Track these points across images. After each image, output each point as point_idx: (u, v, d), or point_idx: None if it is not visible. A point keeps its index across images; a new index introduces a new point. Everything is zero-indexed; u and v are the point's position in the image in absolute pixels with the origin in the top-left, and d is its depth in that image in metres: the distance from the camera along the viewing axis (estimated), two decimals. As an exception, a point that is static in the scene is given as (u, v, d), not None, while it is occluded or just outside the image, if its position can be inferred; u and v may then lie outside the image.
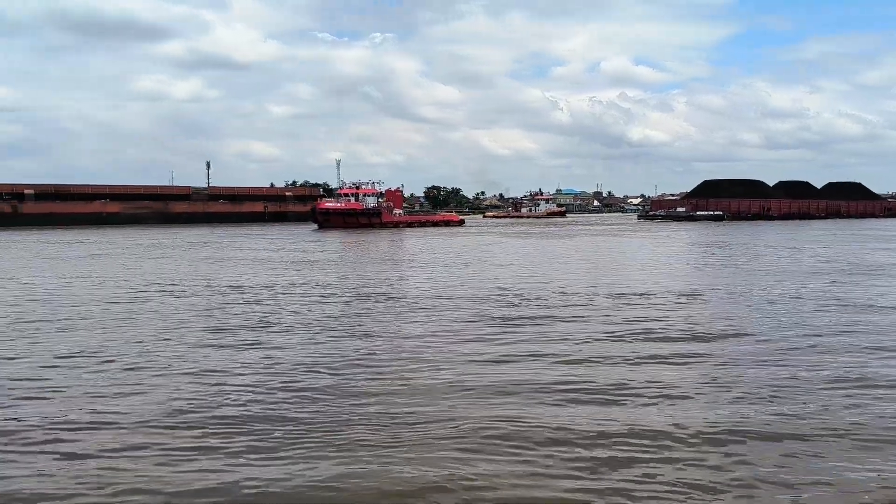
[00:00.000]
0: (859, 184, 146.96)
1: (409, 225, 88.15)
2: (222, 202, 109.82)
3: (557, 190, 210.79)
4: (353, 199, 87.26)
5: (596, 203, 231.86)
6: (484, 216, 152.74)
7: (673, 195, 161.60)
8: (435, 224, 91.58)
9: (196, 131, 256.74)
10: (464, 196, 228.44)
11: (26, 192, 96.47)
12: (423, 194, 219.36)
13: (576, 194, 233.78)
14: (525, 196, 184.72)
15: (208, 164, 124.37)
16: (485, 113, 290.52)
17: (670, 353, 12.58)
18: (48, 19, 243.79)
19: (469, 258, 36.07)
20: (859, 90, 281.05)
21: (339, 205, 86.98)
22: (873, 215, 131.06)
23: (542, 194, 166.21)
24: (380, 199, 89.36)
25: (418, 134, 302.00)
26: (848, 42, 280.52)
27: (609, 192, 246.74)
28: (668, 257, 36.86)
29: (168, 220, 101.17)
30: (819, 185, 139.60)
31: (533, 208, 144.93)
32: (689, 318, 16.39)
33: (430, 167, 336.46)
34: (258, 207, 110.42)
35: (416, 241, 54.59)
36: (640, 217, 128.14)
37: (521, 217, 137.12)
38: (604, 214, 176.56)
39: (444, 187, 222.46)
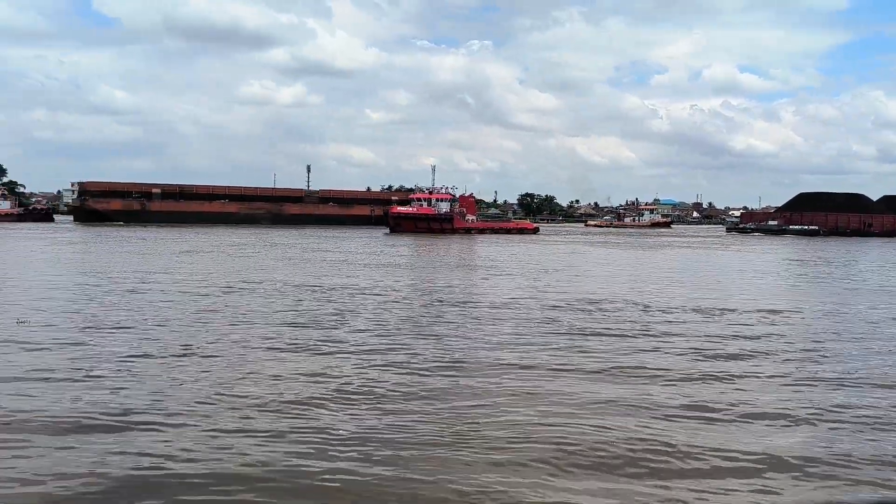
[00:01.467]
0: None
1: (482, 231, 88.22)
2: (332, 205, 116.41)
3: (655, 199, 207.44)
4: (425, 205, 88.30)
5: (696, 214, 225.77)
6: (586, 225, 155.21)
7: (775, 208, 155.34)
8: (508, 231, 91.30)
9: (298, 135, 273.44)
10: (557, 204, 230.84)
11: (153, 191, 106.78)
12: (516, 201, 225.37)
13: (674, 205, 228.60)
14: (621, 206, 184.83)
15: (308, 168, 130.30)
16: (581, 120, 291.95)
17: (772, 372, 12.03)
18: (163, 27, 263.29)
19: (539, 267, 35.60)
20: None
21: (411, 209, 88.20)
22: None
23: (638, 204, 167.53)
24: (453, 205, 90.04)
25: (513, 141, 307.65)
26: None
27: (710, 203, 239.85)
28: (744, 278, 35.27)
29: (281, 220, 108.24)
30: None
31: (636, 217, 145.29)
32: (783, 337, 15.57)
33: (524, 174, 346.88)
34: (365, 210, 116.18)
35: (486, 248, 54.55)
36: (728, 230, 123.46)
37: (625, 226, 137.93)
38: (703, 226, 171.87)
39: (537, 195, 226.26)
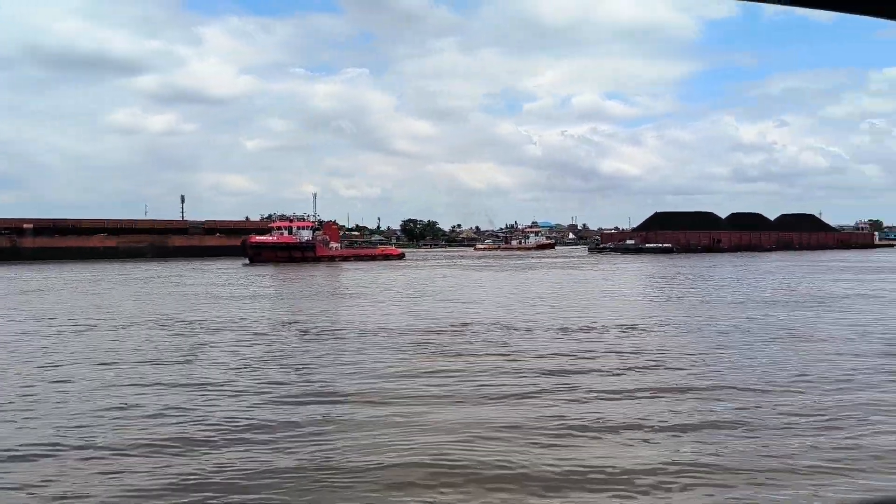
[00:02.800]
0: (812, 215, 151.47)
1: (346, 259, 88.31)
2: (219, 236, 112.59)
3: (533, 223, 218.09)
4: (286, 233, 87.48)
5: (571, 235, 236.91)
6: (475, 248, 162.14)
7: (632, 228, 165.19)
8: (373, 258, 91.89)
9: (170, 164, 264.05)
10: (440, 229, 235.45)
11: (25, 226, 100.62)
12: (399, 227, 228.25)
13: (551, 227, 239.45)
14: (501, 229, 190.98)
15: (182, 198, 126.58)
16: (459, 147, 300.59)
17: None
18: (22, 54, 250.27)
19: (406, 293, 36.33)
20: (823, 124, 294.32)
21: (271, 238, 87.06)
22: (826, 247, 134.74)
23: (517, 227, 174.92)
24: (315, 233, 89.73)
25: (394, 167, 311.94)
26: (812, 77, 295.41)
27: (584, 225, 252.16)
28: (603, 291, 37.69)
29: (165, 253, 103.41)
30: (773, 216, 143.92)
31: (523, 240, 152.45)
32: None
33: (406, 200, 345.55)
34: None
35: (350, 276, 55.07)
36: (590, 250, 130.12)
37: (513, 249, 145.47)
38: (578, 247, 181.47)
39: (420, 220, 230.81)
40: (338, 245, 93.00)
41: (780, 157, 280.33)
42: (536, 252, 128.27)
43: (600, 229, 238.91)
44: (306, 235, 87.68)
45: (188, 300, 32.90)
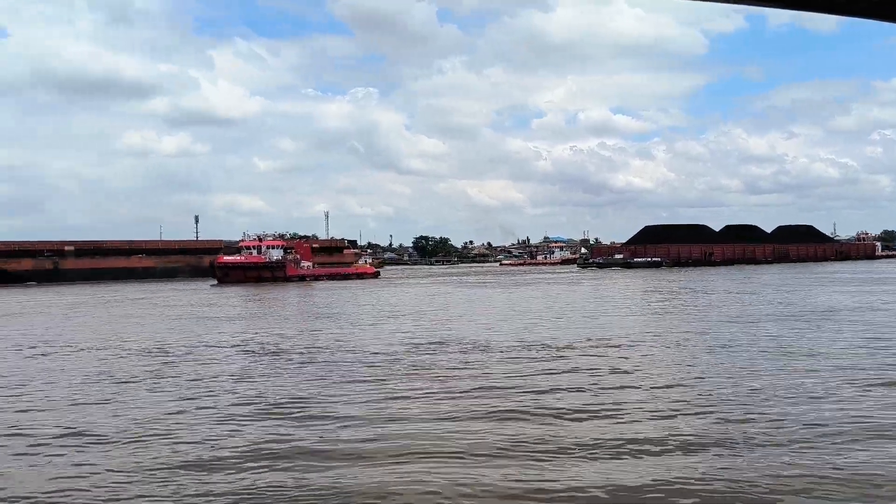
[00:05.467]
0: (810, 226, 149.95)
1: (317, 278, 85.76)
2: None
3: (545, 238, 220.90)
4: (255, 252, 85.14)
5: (584, 250, 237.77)
6: (500, 264, 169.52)
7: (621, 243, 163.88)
8: (346, 277, 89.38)
9: (183, 186, 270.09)
10: (452, 245, 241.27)
11: (66, 248, 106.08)
12: (411, 244, 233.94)
13: (563, 241, 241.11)
14: (513, 245, 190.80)
15: (197, 218, 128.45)
16: (470, 164, 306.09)
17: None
18: (33, 79, 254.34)
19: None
20: (832, 135, 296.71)
21: (240, 258, 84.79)
22: (825, 258, 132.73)
23: (529, 242, 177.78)
24: (287, 252, 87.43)
25: (405, 185, 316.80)
26: (819, 88, 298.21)
27: (596, 239, 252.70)
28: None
29: (200, 273, 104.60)
30: (768, 227, 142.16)
31: (548, 255, 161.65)
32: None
33: (418, 218, 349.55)
34: None
35: (316, 296, 52.57)
36: (579, 265, 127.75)
37: (538, 264, 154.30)
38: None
39: (432, 237, 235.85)
40: (310, 264, 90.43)
41: (791, 169, 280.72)
42: (560, 267, 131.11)
43: (613, 243, 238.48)
44: (276, 255, 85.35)
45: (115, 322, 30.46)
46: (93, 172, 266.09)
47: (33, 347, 22.25)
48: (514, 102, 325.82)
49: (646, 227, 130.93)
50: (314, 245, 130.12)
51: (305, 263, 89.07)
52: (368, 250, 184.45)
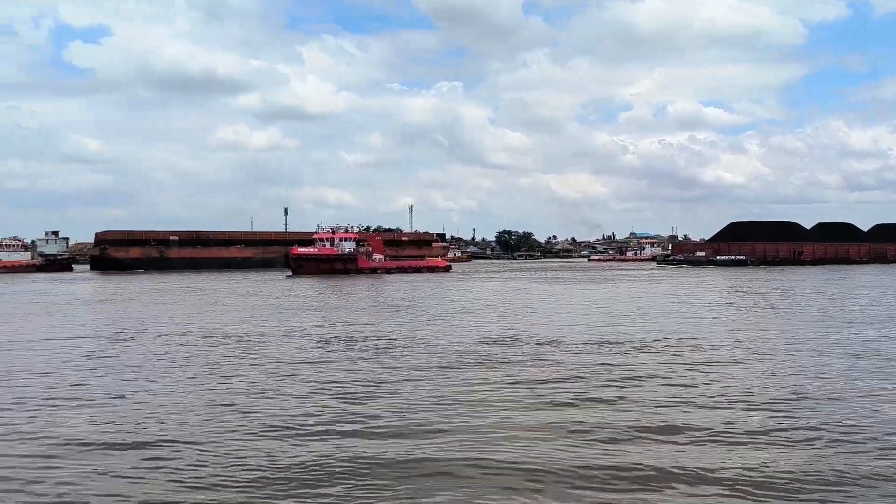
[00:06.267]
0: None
1: (389, 271, 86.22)
2: None
3: (631, 234, 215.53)
4: (328, 245, 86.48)
5: (660, 248, 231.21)
6: (589, 260, 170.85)
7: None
8: (418, 270, 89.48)
9: (273, 179, 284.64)
10: (535, 240, 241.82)
11: (171, 238, 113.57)
12: (494, 238, 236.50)
13: (650, 237, 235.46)
14: (598, 240, 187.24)
15: (286, 211, 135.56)
16: (554, 157, 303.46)
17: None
18: (137, 76, 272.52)
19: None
20: None
21: (313, 250, 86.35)
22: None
23: (614, 238, 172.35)
24: (359, 245, 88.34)
25: (489, 179, 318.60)
26: None
27: (685, 235, 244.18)
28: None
29: None
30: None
31: (638, 252, 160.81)
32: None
33: (501, 211, 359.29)
34: None
35: (387, 289, 52.54)
36: (658, 263, 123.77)
37: (627, 260, 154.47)
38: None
39: (515, 231, 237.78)
40: (381, 257, 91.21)
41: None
42: (645, 264, 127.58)
43: (702, 239, 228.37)
44: (348, 247, 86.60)
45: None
46: (189, 165, 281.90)
47: (164, 335, 22.74)
48: (599, 95, 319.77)
49: (731, 223, 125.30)
50: (403, 238, 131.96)
51: (377, 256, 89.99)
52: (453, 244, 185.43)
